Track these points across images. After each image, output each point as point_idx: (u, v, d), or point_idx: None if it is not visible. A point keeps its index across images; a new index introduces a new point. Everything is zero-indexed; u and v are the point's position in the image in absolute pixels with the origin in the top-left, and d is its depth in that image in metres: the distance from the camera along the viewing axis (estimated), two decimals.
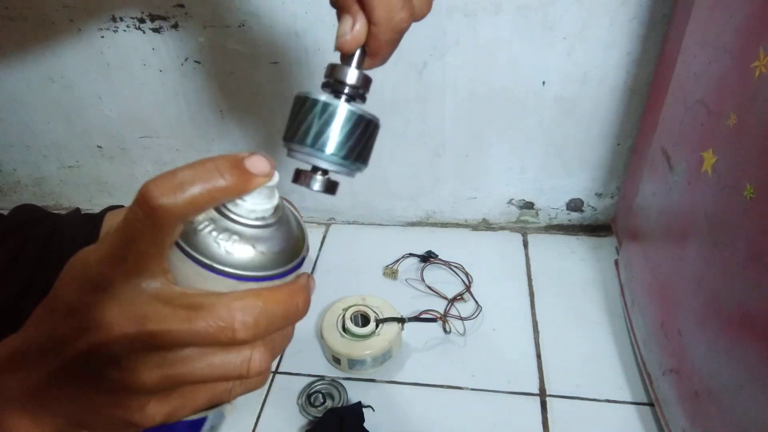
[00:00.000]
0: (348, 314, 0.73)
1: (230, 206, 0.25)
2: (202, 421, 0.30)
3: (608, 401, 0.68)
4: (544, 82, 0.78)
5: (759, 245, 0.44)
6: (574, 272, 0.86)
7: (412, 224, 0.98)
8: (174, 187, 0.22)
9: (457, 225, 0.96)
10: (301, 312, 0.25)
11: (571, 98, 0.79)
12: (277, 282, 0.25)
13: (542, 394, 0.69)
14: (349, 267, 0.89)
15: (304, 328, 0.79)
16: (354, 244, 0.95)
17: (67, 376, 0.25)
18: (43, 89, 0.89)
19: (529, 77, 0.78)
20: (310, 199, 0.96)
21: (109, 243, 0.23)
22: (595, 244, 0.91)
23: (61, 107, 0.90)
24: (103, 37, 0.81)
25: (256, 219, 0.25)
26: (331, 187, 0.30)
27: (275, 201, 0.26)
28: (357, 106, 0.29)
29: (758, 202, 0.43)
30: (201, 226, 0.24)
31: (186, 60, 0.82)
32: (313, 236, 0.96)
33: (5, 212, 0.68)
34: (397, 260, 0.88)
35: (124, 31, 0.80)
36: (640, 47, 0.73)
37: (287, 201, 0.27)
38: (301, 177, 0.30)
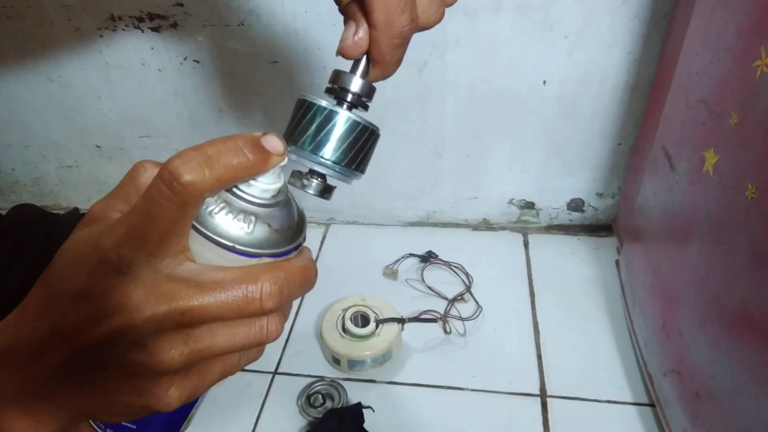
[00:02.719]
0: (348, 314, 0.73)
1: (243, 187, 0.25)
2: (193, 403, 0.30)
3: (609, 402, 0.67)
4: (544, 82, 0.78)
5: (761, 245, 0.43)
6: (575, 272, 0.85)
7: (412, 224, 0.97)
8: (202, 163, 0.22)
9: (458, 225, 0.96)
10: (314, 280, 0.26)
11: (572, 98, 0.78)
12: (291, 256, 0.26)
13: (543, 394, 0.69)
14: (349, 267, 0.89)
15: (304, 328, 0.79)
16: (354, 244, 0.94)
17: (79, 365, 0.24)
18: (41, 89, 0.88)
19: (530, 76, 0.77)
20: (309, 199, 0.95)
21: (128, 224, 0.22)
22: (596, 244, 0.91)
23: (60, 107, 0.90)
24: (101, 36, 0.81)
25: (270, 198, 0.26)
26: (326, 192, 0.31)
27: (282, 180, 0.27)
28: (358, 115, 0.29)
29: (760, 202, 0.43)
30: (216, 208, 0.24)
31: (185, 59, 0.82)
32: (313, 236, 0.96)
33: (3, 212, 0.68)
34: (397, 260, 0.88)
35: (123, 30, 0.80)
36: (642, 46, 0.73)
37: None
38: (297, 179, 0.30)
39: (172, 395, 0.24)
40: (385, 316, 0.73)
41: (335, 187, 0.31)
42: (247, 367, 0.77)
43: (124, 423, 0.29)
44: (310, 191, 0.30)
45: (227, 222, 0.25)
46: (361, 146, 0.29)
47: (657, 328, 0.63)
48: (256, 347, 0.26)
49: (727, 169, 0.49)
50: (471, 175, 0.90)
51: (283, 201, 0.27)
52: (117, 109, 0.89)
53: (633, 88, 0.76)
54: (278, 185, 0.26)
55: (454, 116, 0.83)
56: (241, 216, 0.25)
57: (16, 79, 0.88)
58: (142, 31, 0.80)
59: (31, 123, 0.93)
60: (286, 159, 0.26)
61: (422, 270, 0.87)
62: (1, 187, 1.05)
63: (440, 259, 0.87)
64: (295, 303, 0.83)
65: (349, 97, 0.31)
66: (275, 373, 0.73)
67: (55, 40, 0.82)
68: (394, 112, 0.83)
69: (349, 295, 0.77)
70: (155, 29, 0.80)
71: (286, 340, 0.77)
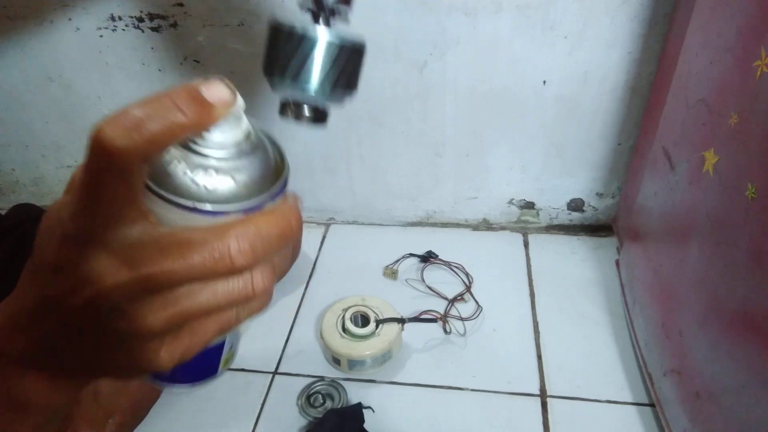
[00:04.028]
0: (348, 315, 0.73)
1: (198, 140, 0.23)
2: (220, 346, 0.29)
3: (609, 402, 0.67)
4: (544, 82, 0.78)
5: (761, 245, 0.43)
6: (575, 272, 0.85)
7: (412, 224, 0.97)
8: (129, 126, 0.20)
9: (458, 225, 0.96)
10: (295, 230, 0.24)
11: (572, 98, 0.78)
12: (266, 207, 0.24)
13: (543, 394, 0.69)
14: (349, 267, 0.89)
15: (304, 328, 0.79)
16: (354, 244, 0.94)
17: (73, 332, 0.24)
18: (41, 89, 0.88)
19: (530, 76, 0.77)
20: (309, 199, 0.96)
21: (77, 196, 0.22)
22: (596, 244, 0.91)
23: (60, 107, 0.90)
24: (102, 36, 0.81)
25: (230, 149, 0.23)
26: (320, 119, 0.28)
27: (245, 126, 0.24)
28: (337, 32, 0.26)
29: (760, 202, 0.43)
30: (172, 166, 0.23)
31: (185, 59, 0.82)
32: (313, 236, 0.96)
33: (3, 212, 0.68)
34: (397, 260, 0.88)
35: (123, 30, 0.80)
36: (642, 46, 0.73)
37: (255, 121, 0.26)
38: (288, 110, 0.28)
39: (163, 357, 0.24)
40: (385, 316, 0.73)
41: (328, 112, 0.29)
42: (247, 367, 0.77)
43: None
44: (304, 120, 0.28)
45: (185, 180, 0.23)
46: (346, 67, 0.27)
47: (657, 328, 0.63)
48: (248, 302, 0.25)
49: (727, 169, 0.49)
50: (471, 175, 0.90)
51: (248, 149, 0.24)
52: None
53: (633, 88, 0.76)
54: (237, 134, 0.24)
55: (454, 116, 0.83)
56: (199, 172, 0.23)
57: (17, 78, 0.88)
58: (142, 31, 0.80)
59: (31, 123, 0.93)
60: (240, 104, 0.23)
61: (422, 270, 0.87)
62: (1, 186, 1.05)
63: (440, 259, 0.87)
64: (295, 303, 0.83)
65: (324, 12, 0.27)
66: (275, 373, 0.73)
67: (56, 40, 0.82)
68: (395, 112, 0.83)
69: (349, 295, 0.77)
70: (155, 29, 0.80)
71: (286, 340, 0.77)
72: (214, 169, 0.23)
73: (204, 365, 0.30)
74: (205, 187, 0.23)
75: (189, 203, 0.23)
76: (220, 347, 0.29)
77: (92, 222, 0.22)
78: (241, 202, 0.23)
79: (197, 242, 0.22)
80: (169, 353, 0.24)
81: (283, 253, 0.26)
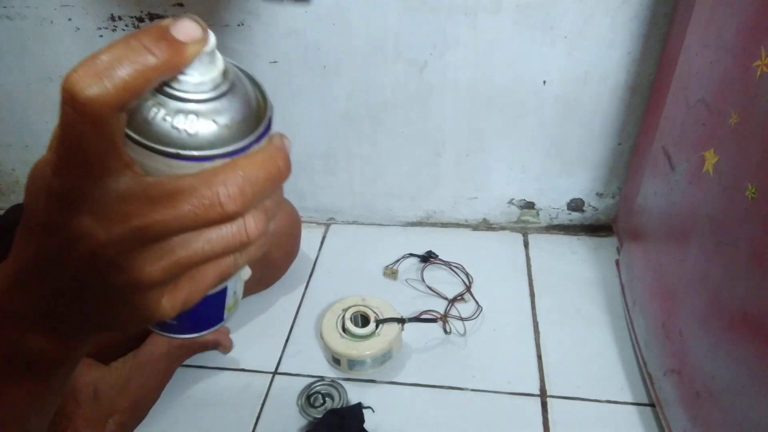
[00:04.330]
0: (348, 314, 0.73)
1: (174, 84, 0.22)
2: (222, 292, 0.29)
3: (609, 402, 0.67)
4: (544, 82, 0.78)
5: (761, 245, 0.43)
6: (575, 272, 0.85)
7: (412, 224, 0.97)
8: (99, 73, 0.19)
9: (458, 225, 0.96)
10: (284, 171, 0.24)
11: (572, 98, 0.78)
12: (252, 150, 0.23)
13: (543, 394, 0.69)
14: (349, 267, 0.89)
15: (304, 328, 0.79)
16: (354, 244, 0.94)
17: (71, 288, 0.24)
18: (41, 89, 0.88)
19: (530, 76, 0.77)
20: (309, 199, 0.96)
21: (56, 152, 0.21)
22: (596, 244, 0.91)
23: None
24: (101, 36, 0.81)
25: (208, 90, 0.23)
26: None
27: (221, 65, 0.23)
28: None
29: (760, 202, 0.43)
30: (151, 113, 0.22)
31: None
32: (313, 236, 0.96)
33: (2, 212, 0.68)
34: (397, 260, 0.88)
35: (123, 30, 0.80)
36: (641, 46, 0.73)
37: (232, 62, 0.25)
38: None
39: (164, 306, 0.24)
40: (385, 316, 0.73)
41: None
42: (247, 367, 0.77)
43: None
44: (285, 1, 0.28)
45: (165, 127, 0.22)
46: None
47: (657, 328, 0.63)
48: (243, 247, 0.24)
49: (727, 169, 0.49)
50: (471, 175, 0.90)
51: (228, 89, 0.23)
52: None
53: (633, 88, 0.76)
54: (214, 73, 0.23)
55: (454, 116, 0.83)
56: (180, 117, 0.22)
57: (17, 78, 0.88)
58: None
59: (31, 123, 0.93)
60: (213, 41, 0.22)
61: (422, 270, 0.87)
62: (1, 187, 1.05)
63: (440, 259, 0.87)
64: (295, 302, 0.83)
65: None
66: (275, 373, 0.73)
67: (55, 40, 0.82)
68: (394, 112, 0.83)
69: (349, 295, 0.77)
70: None
71: (286, 340, 0.77)
72: (194, 113, 0.22)
73: (208, 313, 0.30)
74: (187, 132, 0.22)
75: (172, 150, 0.22)
76: (222, 294, 0.29)
77: (76, 178, 0.21)
78: (225, 146, 0.23)
79: (185, 190, 0.22)
80: (170, 302, 0.24)
81: (274, 197, 0.25)
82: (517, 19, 0.72)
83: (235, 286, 0.30)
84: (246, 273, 0.29)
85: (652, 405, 0.66)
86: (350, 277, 0.86)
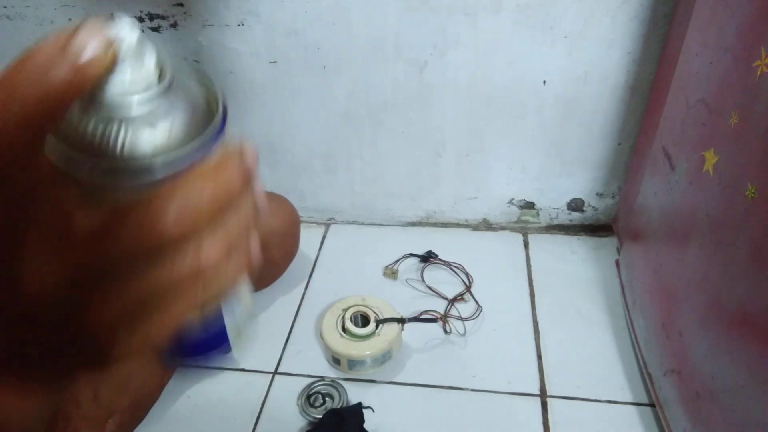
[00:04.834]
0: (348, 314, 0.73)
1: (100, 92, 0.19)
2: (217, 317, 0.27)
3: (609, 402, 0.67)
4: (544, 82, 0.78)
5: (761, 245, 0.43)
6: (575, 272, 0.85)
7: (412, 224, 0.97)
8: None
9: (458, 225, 0.96)
10: (238, 185, 0.20)
11: (572, 98, 0.78)
12: (198, 159, 0.20)
13: (543, 394, 0.69)
14: (349, 267, 0.89)
15: (304, 328, 0.79)
16: (354, 244, 0.94)
17: (24, 340, 0.22)
18: None
19: (530, 76, 0.77)
20: (309, 198, 0.96)
21: None
22: (596, 244, 0.91)
23: None
24: None
25: (139, 94, 0.20)
26: None
27: (151, 59, 0.20)
28: None
29: (760, 202, 0.43)
30: (81, 126, 0.19)
31: (185, 59, 0.82)
32: (313, 236, 0.96)
33: None
34: (397, 260, 0.88)
35: None
36: (641, 46, 0.73)
37: (171, 56, 0.22)
38: None
39: (130, 345, 0.21)
40: (385, 316, 0.73)
41: None
42: (247, 367, 0.77)
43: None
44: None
45: (99, 140, 0.19)
46: None
47: (657, 328, 0.63)
48: (201, 276, 0.20)
49: (727, 169, 0.49)
50: (471, 175, 0.90)
51: (164, 88, 0.20)
52: None
53: (633, 88, 0.76)
54: (144, 76, 0.20)
55: (454, 116, 0.83)
56: (112, 127, 0.19)
57: None
58: (143, 31, 0.80)
59: None
60: (132, 37, 0.19)
61: (422, 270, 0.87)
62: None
63: (440, 259, 0.87)
64: (295, 302, 0.83)
65: None
66: (275, 373, 0.73)
67: None
68: (394, 112, 0.83)
69: (349, 295, 0.77)
70: (155, 29, 0.80)
71: (286, 340, 0.77)
72: (127, 121, 0.19)
73: (206, 340, 0.28)
74: (122, 144, 0.19)
75: (106, 165, 0.19)
76: (217, 319, 0.27)
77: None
78: (165, 155, 0.20)
79: (119, 213, 0.19)
80: (135, 340, 0.21)
81: (239, 215, 0.21)
82: (517, 19, 0.72)
83: (232, 308, 0.27)
84: (244, 295, 0.27)
85: (652, 405, 0.66)
86: (350, 277, 0.86)
